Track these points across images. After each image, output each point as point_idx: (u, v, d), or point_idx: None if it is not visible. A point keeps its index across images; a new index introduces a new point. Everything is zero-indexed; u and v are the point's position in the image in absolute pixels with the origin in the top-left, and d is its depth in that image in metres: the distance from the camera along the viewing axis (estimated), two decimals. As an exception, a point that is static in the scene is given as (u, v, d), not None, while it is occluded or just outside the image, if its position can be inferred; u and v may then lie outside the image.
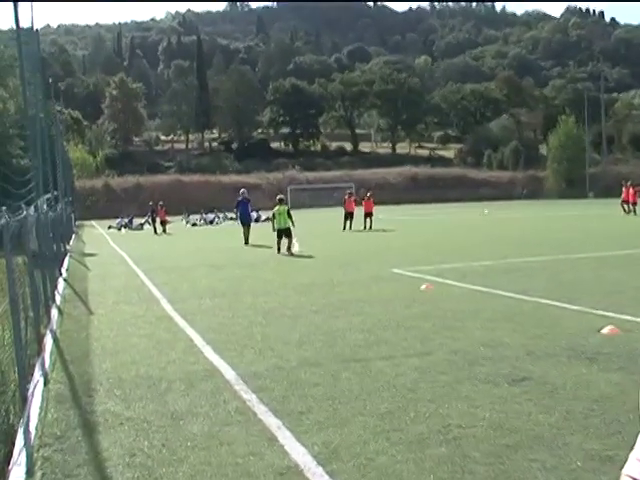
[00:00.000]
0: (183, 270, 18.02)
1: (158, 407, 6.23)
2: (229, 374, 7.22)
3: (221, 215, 53.27)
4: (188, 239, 33.36)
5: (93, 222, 59.74)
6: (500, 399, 6.02)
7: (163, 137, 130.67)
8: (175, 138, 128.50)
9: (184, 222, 49.96)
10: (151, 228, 41.88)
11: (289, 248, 21.66)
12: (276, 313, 10.84)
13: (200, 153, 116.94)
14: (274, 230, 22.33)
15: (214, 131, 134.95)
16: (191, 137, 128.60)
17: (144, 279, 16.41)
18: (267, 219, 50.35)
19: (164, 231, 39.88)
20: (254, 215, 49.82)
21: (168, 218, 42.59)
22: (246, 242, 26.21)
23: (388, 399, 6.15)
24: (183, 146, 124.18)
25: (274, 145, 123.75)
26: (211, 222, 49.61)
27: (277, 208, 22.43)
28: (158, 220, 41.07)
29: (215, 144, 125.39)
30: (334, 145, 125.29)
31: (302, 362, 7.63)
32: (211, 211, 53.48)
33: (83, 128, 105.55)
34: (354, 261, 18.59)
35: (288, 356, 7.93)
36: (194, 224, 48.46)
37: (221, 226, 47.13)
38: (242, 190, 28.57)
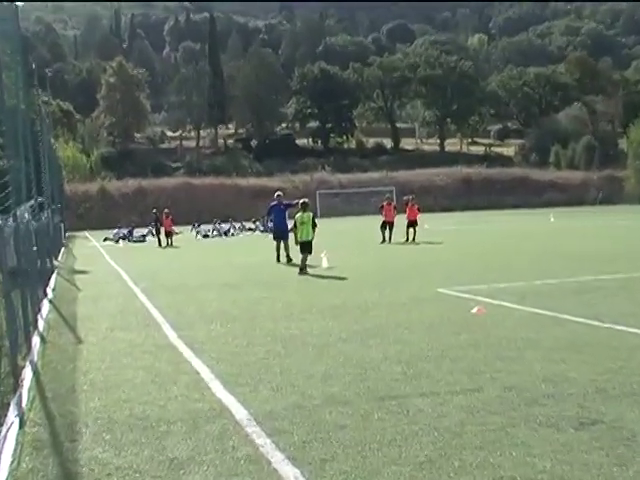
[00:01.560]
0: (190, 290, 18.09)
1: (154, 454, 6.22)
2: (240, 414, 7.21)
3: (237, 225, 53.61)
4: (198, 253, 33.61)
5: (86, 233, 60.40)
6: (564, 447, 5.94)
7: (170, 133, 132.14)
8: (184, 134, 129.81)
9: (194, 233, 50.40)
10: (155, 240, 42.35)
11: (302, 269, 21.00)
12: (298, 341, 10.84)
13: (213, 152, 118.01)
14: (297, 243, 21.77)
15: (230, 126, 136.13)
16: (202, 133, 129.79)
17: (144, 301, 16.49)
18: (290, 230, 50.51)
19: (170, 244, 40.22)
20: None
21: (175, 228, 42.93)
22: (278, 259, 25.09)
23: (428, 445, 6.11)
24: (193, 144, 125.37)
25: (300, 142, 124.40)
26: (225, 233, 49.98)
27: (299, 216, 21.60)
28: (163, 231, 41.42)
29: (231, 141, 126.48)
30: (371, 142, 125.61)
31: (327, 400, 7.60)
32: (226, 220, 53.88)
33: (75, 122, 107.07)
34: (393, 279, 18.54)
35: (311, 392, 7.91)
36: (205, 235, 48.88)
37: (237, 238, 47.49)
38: (277, 193, 26.30)
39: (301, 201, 22.19)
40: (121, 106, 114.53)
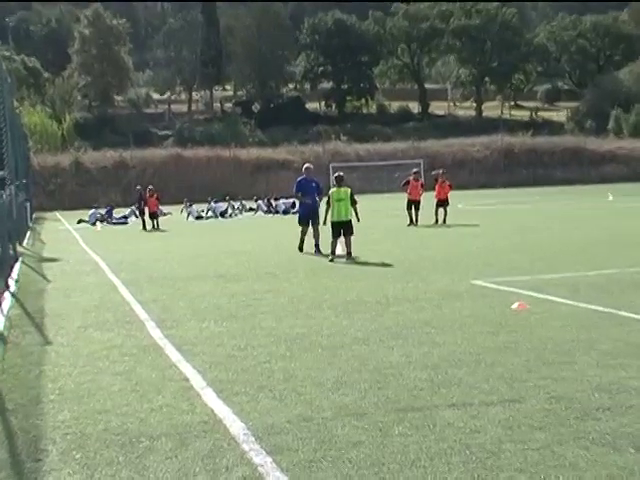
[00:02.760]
0: (180, 282, 18.11)
1: (134, 475, 6.22)
2: (236, 427, 7.23)
3: (236, 205, 53.59)
4: (189, 238, 33.57)
5: (57, 214, 60.61)
6: (622, 470, 5.91)
7: (156, 95, 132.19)
8: (173, 97, 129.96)
9: (185, 214, 50.48)
10: (138, 222, 42.44)
11: (349, 253, 21.52)
12: (306, 342, 10.87)
13: (208, 118, 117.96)
14: (324, 224, 22.32)
15: (227, 87, 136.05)
16: (195, 96, 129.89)
17: (125, 294, 16.53)
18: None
19: (156, 227, 40.27)
20: (283, 205, 50.12)
21: (162, 209, 42.94)
22: (301, 248, 23.95)
23: (458, 466, 6.09)
24: (184, 108, 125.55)
25: (311, 106, 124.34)
26: (222, 214, 49.97)
27: (335, 191, 21.85)
28: (147, 211, 41.48)
29: (229, 105, 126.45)
30: (395, 106, 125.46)
31: (339, 411, 7.62)
32: (223, 199, 53.88)
33: (43, 82, 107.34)
34: (419, 269, 18.53)
35: (320, 402, 7.93)
36: (198, 217, 48.93)
37: (236, 220, 47.51)
38: (307, 165, 24.92)
39: (335, 174, 22.41)
40: (98, 63, 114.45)
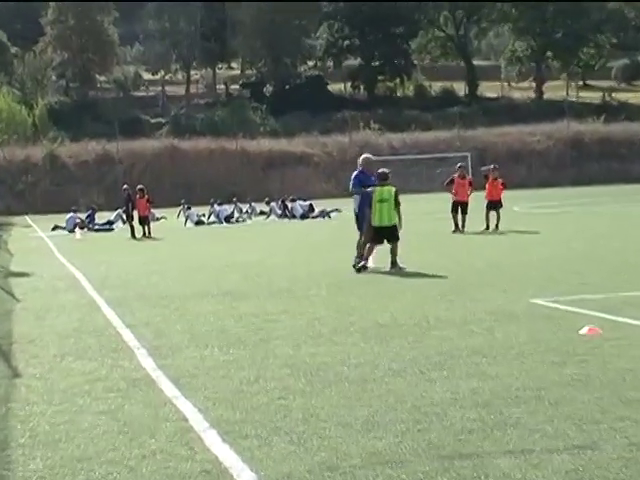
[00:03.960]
0: (177, 300, 18.17)
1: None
2: (245, 478, 7.20)
3: (244, 208, 53.64)
4: (188, 248, 33.75)
5: (28, 218, 60.73)
6: None
7: (147, 75, 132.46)
8: (168, 77, 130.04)
9: (182, 219, 50.63)
10: (126, 228, 42.59)
11: (394, 262, 21.73)
12: (330, 374, 10.85)
13: (210, 102, 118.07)
14: (359, 228, 22.39)
15: (233, 65, 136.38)
16: (194, 75, 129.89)
17: (110, 316, 16.53)
18: (328, 213, 49.99)
19: (147, 234, 40.35)
20: (300, 208, 50.03)
21: (154, 212, 42.95)
22: (360, 267, 22.18)
23: (516, 526, 6.07)
24: (181, 90, 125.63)
25: (334, 88, 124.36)
26: (227, 219, 50.04)
27: (379, 190, 21.93)
28: (137, 216, 41.55)
29: (235, 87, 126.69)
30: (437, 87, 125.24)
31: (370, 458, 7.57)
32: (228, 201, 53.94)
33: (10, 59, 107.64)
34: (467, 284, 18.51)
35: (347, 448, 7.89)
36: (199, 222, 49.08)
37: (244, 226, 47.73)
38: (365, 156, 24.07)
39: (379, 170, 22.51)
40: (76, 36, 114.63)
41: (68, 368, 12.05)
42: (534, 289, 17.27)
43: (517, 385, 9.89)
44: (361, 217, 22.83)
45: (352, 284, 19.73)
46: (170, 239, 38.82)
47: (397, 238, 21.97)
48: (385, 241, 22.01)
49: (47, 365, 12.33)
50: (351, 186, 23.20)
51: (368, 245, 22.07)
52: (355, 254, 22.60)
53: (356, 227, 23.32)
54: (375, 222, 21.91)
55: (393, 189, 22.05)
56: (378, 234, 21.92)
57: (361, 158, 23.72)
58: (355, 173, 23.24)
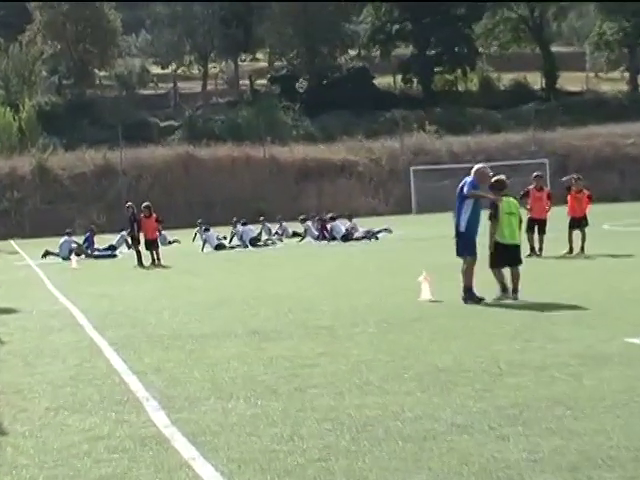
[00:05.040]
0: (194, 341, 18.05)
1: None
2: None
3: (275, 228, 53.62)
4: (206, 277, 33.62)
5: (13, 244, 60.96)
6: None
7: (156, 69, 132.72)
8: (181, 71, 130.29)
9: (199, 242, 50.53)
10: (132, 254, 42.36)
11: (516, 289, 21.64)
12: (379, 430, 10.69)
13: (232, 101, 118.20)
14: (491, 249, 21.85)
15: (259, 56, 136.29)
16: (213, 69, 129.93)
17: (114, 360, 16.38)
18: (375, 234, 49.56)
19: (156, 261, 40.39)
20: (341, 228, 49.61)
21: (165, 234, 42.82)
22: (471, 296, 21.99)
23: None
24: (197, 87, 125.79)
25: (382, 82, 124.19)
26: (254, 242, 49.64)
27: (505, 202, 22.04)
28: (143, 239, 41.61)
29: (262, 82, 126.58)
30: (507, 80, 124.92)
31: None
32: (255, 220, 53.92)
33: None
34: (546, 320, 18.30)
35: (402, 522, 7.79)
36: (219, 246, 48.85)
37: (275, 250, 47.51)
38: (479, 167, 23.15)
39: (496, 178, 22.41)
40: (71, 23, 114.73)
41: (63, 424, 11.89)
42: (630, 326, 16.96)
43: (610, 444, 9.65)
44: (466, 237, 22.26)
45: (405, 320, 19.47)
46: (184, 267, 38.73)
47: (520, 261, 22.17)
48: (512, 263, 21.94)
49: (38, 421, 12.18)
50: (466, 190, 22.29)
51: (496, 271, 21.83)
52: (461, 285, 22.05)
53: (456, 251, 22.76)
54: (506, 239, 21.92)
55: (514, 201, 22.35)
56: (505, 254, 21.87)
57: (475, 168, 22.98)
58: (469, 180, 22.45)
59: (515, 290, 21.73)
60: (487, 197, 22.21)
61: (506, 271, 21.73)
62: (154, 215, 42.19)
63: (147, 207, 42.10)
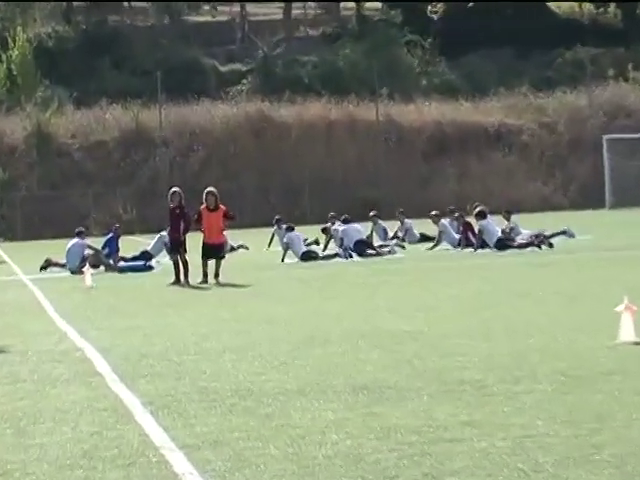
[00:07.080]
0: (270, 401, 14.56)
1: None
2: None
3: (396, 228, 49.45)
4: (287, 303, 28.70)
5: (2, 253, 57.18)
6: None
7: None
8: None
9: (277, 248, 44.94)
10: (167, 265, 37.18)
11: None
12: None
13: (328, 33, 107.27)
14: None
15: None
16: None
17: (150, 429, 13.13)
18: (547, 238, 44.94)
19: (216, 277, 34.22)
20: (497, 229, 44.60)
21: (232, 244, 40.00)
22: None
23: None
24: (277, 13, 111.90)
25: (562, 5, 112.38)
26: (362, 248, 44.07)
27: None
28: (202, 241, 35.08)
29: (374, 5, 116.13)
30: None
31: None
32: (363, 216, 50.50)
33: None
34: None
35: None
36: (308, 254, 42.83)
37: (393, 260, 42.64)
38: None
39: None
40: None
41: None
42: None
43: None
44: None
45: (595, 373, 15.88)
46: (255, 286, 33.56)
47: None
48: None
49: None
50: None
51: None
52: None
53: None
54: None
55: None
56: None
57: None
58: None
59: None
60: None
61: None
62: (222, 208, 35.24)
63: (212, 194, 34.80)
